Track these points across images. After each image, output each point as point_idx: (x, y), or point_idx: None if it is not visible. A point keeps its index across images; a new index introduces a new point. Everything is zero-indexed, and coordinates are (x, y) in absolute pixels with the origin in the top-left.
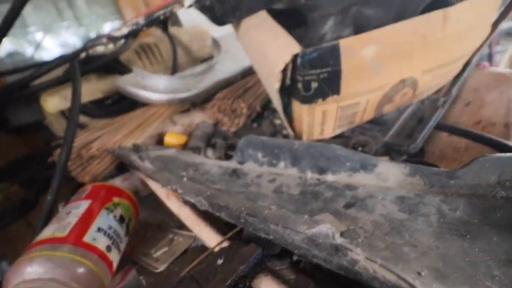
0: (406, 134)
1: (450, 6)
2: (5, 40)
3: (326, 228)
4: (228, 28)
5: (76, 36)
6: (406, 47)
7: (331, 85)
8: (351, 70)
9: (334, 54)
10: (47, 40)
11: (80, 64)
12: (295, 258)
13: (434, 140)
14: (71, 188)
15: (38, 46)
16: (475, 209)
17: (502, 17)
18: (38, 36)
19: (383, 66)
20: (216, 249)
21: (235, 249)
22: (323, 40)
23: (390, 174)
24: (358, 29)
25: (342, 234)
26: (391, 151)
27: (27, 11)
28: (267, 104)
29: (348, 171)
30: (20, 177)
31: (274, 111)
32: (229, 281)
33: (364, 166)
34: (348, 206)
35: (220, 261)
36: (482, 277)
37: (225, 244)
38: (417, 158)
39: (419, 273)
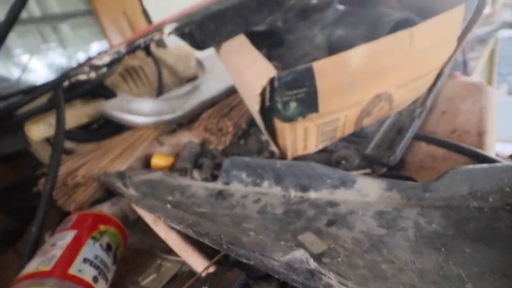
0: (387, 146)
1: (415, 26)
2: None
3: (300, 254)
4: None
5: (63, 56)
6: (378, 65)
7: (309, 104)
8: (327, 89)
9: (308, 76)
10: (33, 62)
11: (64, 91)
12: (282, 279)
13: (413, 150)
14: (58, 216)
15: (24, 69)
16: (450, 221)
17: (466, 32)
18: (24, 58)
19: (357, 84)
20: (203, 274)
21: (219, 275)
22: (298, 61)
23: (369, 189)
24: (332, 49)
25: (323, 254)
26: (372, 164)
27: (11, 38)
28: (252, 121)
29: (330, 188)
30: (6, 207)
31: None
32: None
33: (344, 183)
34: (329, 223)
35: None
36: None
37: (212, 269)
38: (394, 172)
39: None
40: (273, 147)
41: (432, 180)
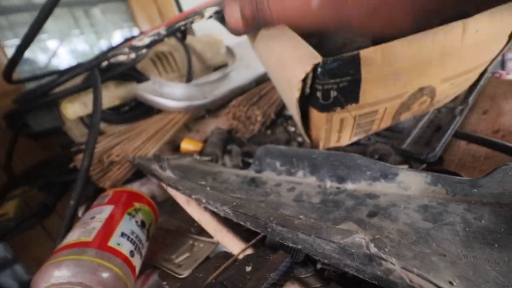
0: (424, 143)
1: (469, 17)
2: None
3: (360, 238)
4: (240, 37)
5: (86, 43)
6: (425, 57)
7: (350, 94)
8: (370, 80)
9: (354, 64)
10: (57, 48)
11: (99, 72)
12: (319, 266)
13: (452, 148)
14: (87, 193)
15: (54, 54)
16: (500, 218)
17: None
18: (50, 43)
19: (402, 75)
20: (241, 255)
21: (263, 256)
22: (340, 50)
23: (411, 183)
24: (376, 40)
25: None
26: (409, 160)
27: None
28: (281, 111)
29: (368, 180)
30: (38, 182)
31: (287, 118)
32: None
33: (384, 175)
34: (371, 215)
35: (248, 268)
36: None
37: (249, 251)
38: (438, 167)
39: (451, 283)
40: (305, 138)
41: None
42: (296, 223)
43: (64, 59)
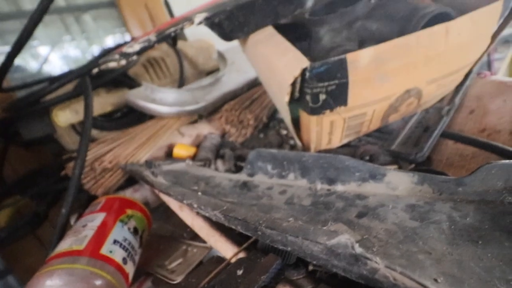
0: (413, 143)
1: (451, 20)
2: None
3: (345, 238)
4: (232, 42)
5: (78, 49)
6: (410, 60)
7: (338, 97)
8: (358, 83)
9: (341, 67)
10: (52, 53)
11: (91, 79)
12: (310, 267)
13: (440, 148)
14: (80, 201)
15: (45, 61)
16: (485, 215)
17: (501, 28)
18: (41, 50)
19: (388, 78)
20: (233, 259)
21: (254, 259)
22: (328, 54)
23: (399, 183)
24: (363, 43)
25: (357, 243)
26: (398, 160)
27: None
28: (273, 114)
29: (358, 181)
30: (30, 191)
31: (280, 121)
32: None
33: (373, 176)
34: (360, 215)
35: (240, 272)
36: (497, 282)
37: (242, 254)
38: (425, 167)
39: (436, 280)
40: (296, 140)
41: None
42: (284, 225)
43: (56, 66)
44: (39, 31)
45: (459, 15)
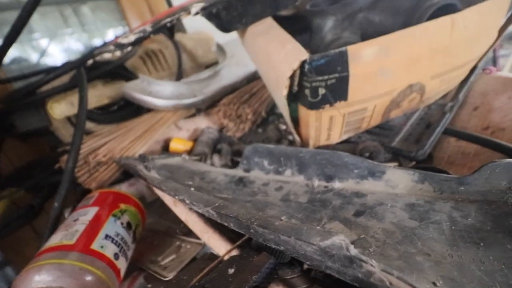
0: (414, 140)
1: (457, 12)
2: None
3: (340, 239)
4: (232, 34)
5: (79, 42)
6: (414, 53)
7: (338, 91)
8: (359, 76)
9: (342, 60)
10: (51, 46)
11: (86, 71)
12: (305, 266)
13: (442, 145)
14: (76, 194)
15: (43, 53)
16: (487, 216)
17: (509, 22)
18: (43, 42)
19: (390, 72)
20: (226, 257)
21: (246, 258)
22: (328, 46)
23: (398, 181)
24: (365, 36)
25: (353, 243)
26: (399, 157)
27: (33, 18)
28: (272, 109)
29: (356, 178)
30: (26, 183)
31: (279, 116)
32: None
33: (372, 173)
34: (357, 214)
35: (231, 271)
36: (499, 286)
37: (235, 252)
38: (426, 164)
39: (434, 284)
40: (294, 136)
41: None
42: (277, 224)
43: (58, 59)
44: (37, 23)
45: (466, 7)
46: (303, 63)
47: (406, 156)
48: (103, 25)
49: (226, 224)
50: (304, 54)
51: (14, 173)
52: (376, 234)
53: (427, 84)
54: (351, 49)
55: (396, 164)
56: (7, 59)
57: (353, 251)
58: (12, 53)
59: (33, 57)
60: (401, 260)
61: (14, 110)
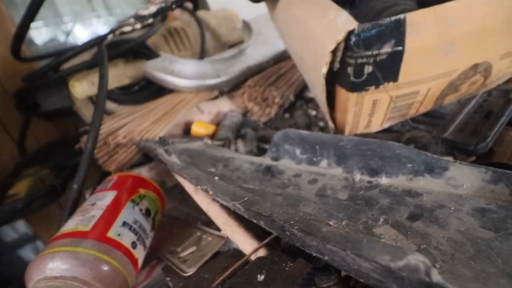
0: (471, 131)
1: None
2: (43, 29)
3: (417, 260)
4: (258, 10)
5: (106, 25)
6: (487, 25)
7: (388, 70)
8: (416, 52)
9: (398, 31)
10: (79, 30)
11: (107, 48)
12: (343, 273)
13: (503, 138)
14: (99, 173)
15: (68, 34)
16: None
17: None
18: (71, 25)
19: (454, 47)
20: (252, 257)
21: (278, 263)
22: (380, 15)
23: (464, 179)
24: (424, 3)
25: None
26: (454, 151)
27: (60, 0)
28: (300, 92)
29: (408, 174)
30: (50, 162)
31: (307, 100)
32: None
33: (430, 169)
34: (412, 217)
35: (261, 277)
36: None
37: (262, 251)
38: (496, 161)
39: None
40: (328, 122)
41: None
42: (325, 231)
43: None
44: (63, 4)
45: None
46: (349, 34)
47: (464, 150)
48: (129, 8)
49: (255, 221)
50: (352, 23)
51: (39, 152)
52: (440, 245)
53: (495, 64)
54: (410, 17)
55: (451, 158)
56: (39, 41)
57: (436, 277)
58: (45, 36)
59: (64, 40)
60: (478, 282)
61: (37, 89)
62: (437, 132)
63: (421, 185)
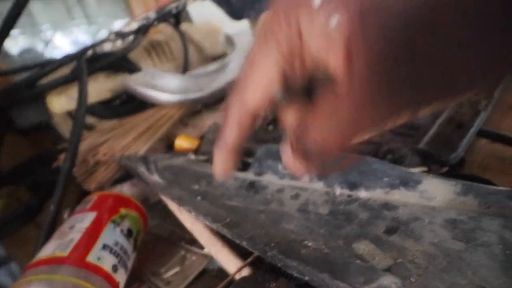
0: (443, 142)
1: None
2: (19, 38)
3: (390, 282)
4: (241, 25)
5: (87, 34)
6: None
7: None
8: None
9: None
10: (59, 39)
11: (88, 63)
12: None
13: (473, 148)
14: (79, 191)
15: (48, 43)
16: None
17: None
18: (50, 34)
19: None
20: (237, 276)
21: (261, 284)
22: None
23: (436, 192)
24: None
25: (389, 270)
26: (428, 161)
27: (37, 9)
28: None
29: (385, 188)
30: (26, 180)
31: None
32: None
33: (404, 182)
34: (389, 231)
35: None
36: None
37: (247, 271)
38: (466, 173)
39: None
40: None
41: None
42: (303, 252)
43: (65, 51)
44: (41, 13)
45: None
46: None
47: (437, 160)
48: (108, 16)
49: (237, 242)
50: None
51: (14, 170)
52: (415, 258)
53: None
54: None
55: (425, 169)
56: (15, 51)
57: None
58: (21, 45)
59: (41, 49)
60: None
61: (13, 104)
62: (413, 143)
63: (397, 198)
